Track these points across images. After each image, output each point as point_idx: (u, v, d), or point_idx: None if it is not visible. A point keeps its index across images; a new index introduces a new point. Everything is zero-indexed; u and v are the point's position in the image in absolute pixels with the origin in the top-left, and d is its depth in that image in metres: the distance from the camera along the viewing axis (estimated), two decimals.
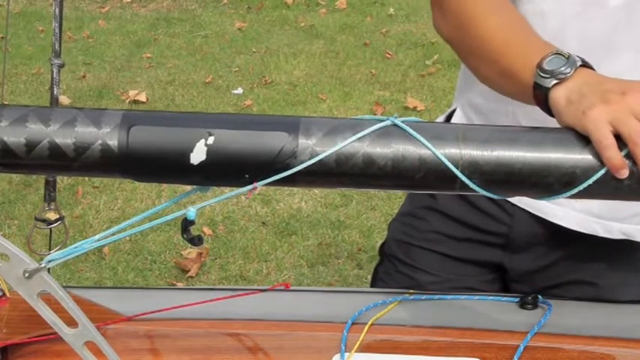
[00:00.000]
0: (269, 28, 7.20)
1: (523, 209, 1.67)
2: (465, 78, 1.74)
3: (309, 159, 0.98)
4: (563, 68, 1.12)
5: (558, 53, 1.15)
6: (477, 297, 1.57)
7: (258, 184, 0.99)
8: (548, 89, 1.13)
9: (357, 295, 1.58)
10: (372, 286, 1.87)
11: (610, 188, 1.00)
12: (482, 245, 1.75)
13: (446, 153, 0.98)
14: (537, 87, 1.14)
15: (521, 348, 1.39)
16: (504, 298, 1.56)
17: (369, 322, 1.45)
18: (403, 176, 0.99)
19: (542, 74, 1.13)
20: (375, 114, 5.09)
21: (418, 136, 0.98)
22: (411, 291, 1.57)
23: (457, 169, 0.98)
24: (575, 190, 0.99)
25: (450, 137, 1.00)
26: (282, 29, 7.15)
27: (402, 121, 1.00)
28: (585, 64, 1.14)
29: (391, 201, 4.21)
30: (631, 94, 1.04)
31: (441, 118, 1.78)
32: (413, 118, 1.02)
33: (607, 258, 1.72)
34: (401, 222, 1.82)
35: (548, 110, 1.14)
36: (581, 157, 1.00)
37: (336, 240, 4.04)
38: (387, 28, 7.01)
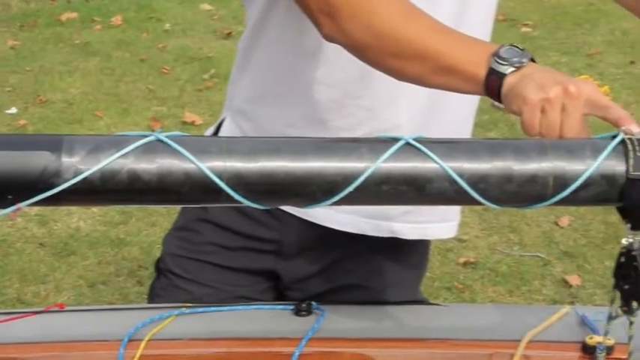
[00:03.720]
0: (43, 45, 7.04)
1: (291, 214, 1.70)
2: (233, 86, 1.77)
3: (73, 177, 0.97)
4: (518, 58, 1.28)
5: (513, 45, 1.30)
6: (252, 307, 1.60)
7: (22, 205, 0.97)
8: (504, 75, 1.27)
9: (134, 312, 1.57)
10: (149, 302, 1.86)
11: (370, 194, 1.04)
12: (255, 253, 1.77)
13: (210, 166, 0.99)
14: (493, 73, 1.28)
15: (297, 354, 1.42)
16: (279, 307, 1.59)
17: (146, 338, 1.44)
18: (169, 191, 1.00)
19: (499, 61, 1.28)
20: (153, 130, 5.06)
21: (182, 150, 0.99)
22: (188, 305, 1.58)
23: (222, 181, 0.99)
24: (337, 198, 1.03)
25: (214, 150, 1.01)
26: (56, 47, 7.00)
27: (167, 136, 1.01)
28: (534, 59, 1.31)
29: (171, 216, 4.19)
30: (570, 87, 1.22)
31: (210, 130, 1.80)
32: (177, 133, 1.03)
33: (377, 259, 1.78)
34: (174, 236, 1.82)
35: (498, 97, 1.29)
36: (342, 165, 1.03)
37: (117, 258, 4.00)
38: (164, 44, 6.98)
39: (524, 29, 6.75)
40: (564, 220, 4.15)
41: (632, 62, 6.03)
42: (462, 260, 3.90)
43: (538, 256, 3.92)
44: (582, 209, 4.16)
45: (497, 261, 3.92)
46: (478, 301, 3.62)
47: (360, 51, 1.43)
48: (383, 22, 1.37)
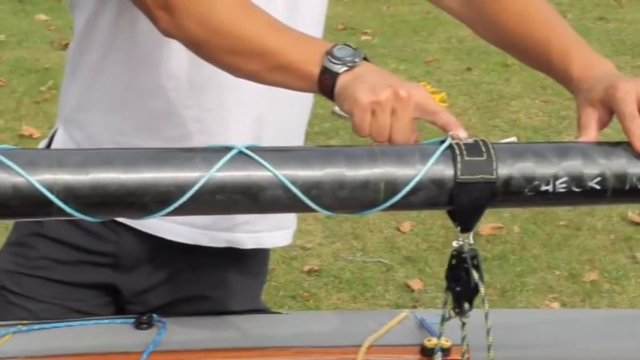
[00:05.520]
0: None
1: (128, 226, 1.67)
2: (64, 95, 1.74)
3: None
4: (351, 57, 1.29)
5: (346, 44, 1.30)
6: (92, 321, 1.57)
7: None
8: (337, 74, 1.27)
9: None
10: None
11: (205, 204, 1.04)
12: (92, 267, 1.73)
13: (40, 179, 0.98)
14: (327, 72, 1.28)
15: None
16: (119, 320, 1.57)
17: None
18: None
19: (333, 60, 1.28)
20: None
21: (10, 164, 0.98)
22: (25, 322, 1.54)
23: (52, 194, 0.98)
24: (171, 208, 1.02)
25: (44, 163, 1.00)
26: None
27: None
28: (367, 58, 1.31)
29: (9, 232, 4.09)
30: (400, 91, 1.24)
31: (44, 142, 1.76)
32: (6, 146, 1.01)
33: (216, 269, 1.77)
34: (8, 252, 1.77)
35: (331, 95, 1.29)
36: (175, 175, 1.02)
37: None
38: None
39: (363, 37, 6.83)
40: (406, 226, 4.21)
41: (468, 69, 6.18)
42: (306, 268, 3.92)
43: (381, 262, 3.98)
44: (423, 214, 4.24)
45: (341, 268, 3.95)
46: (323, 309, 3.64)
47: (197, 47, 1.43)
48: (220, 17, 1.37)
